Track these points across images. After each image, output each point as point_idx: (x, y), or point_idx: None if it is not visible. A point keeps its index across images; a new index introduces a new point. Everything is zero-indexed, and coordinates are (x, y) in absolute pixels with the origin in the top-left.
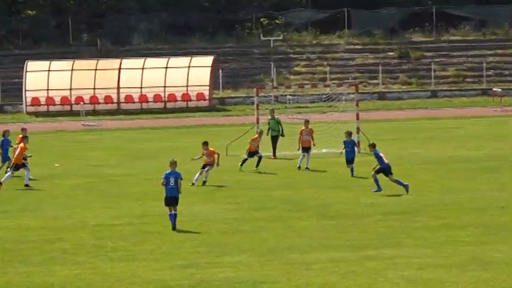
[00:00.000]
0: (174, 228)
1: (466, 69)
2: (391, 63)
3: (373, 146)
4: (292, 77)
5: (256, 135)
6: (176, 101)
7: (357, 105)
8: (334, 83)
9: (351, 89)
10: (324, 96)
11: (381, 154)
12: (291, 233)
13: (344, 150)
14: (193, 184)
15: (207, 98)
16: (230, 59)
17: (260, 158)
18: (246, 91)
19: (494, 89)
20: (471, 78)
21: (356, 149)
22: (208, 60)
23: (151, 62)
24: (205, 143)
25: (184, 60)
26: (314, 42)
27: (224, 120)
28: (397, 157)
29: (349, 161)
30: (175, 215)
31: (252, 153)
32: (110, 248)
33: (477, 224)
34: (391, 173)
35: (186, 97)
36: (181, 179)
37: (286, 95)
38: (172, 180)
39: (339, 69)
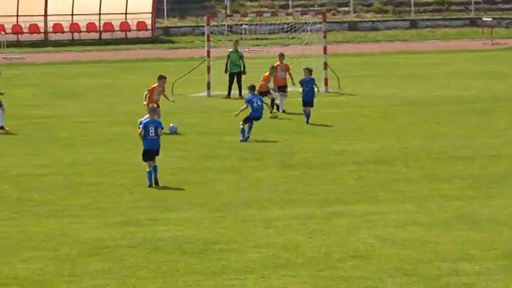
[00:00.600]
0: (155, 183)
1: None
2: None
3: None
4: (248, 3)
5: (266, 73)
6: (113, 31)
7: (325, 36)
8: (297, 11)
9: (317, 18)
10: (286, 26)
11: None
12: (248, 186)
13: (301, 90)
14: None
15: (149, 27)
16: None
17: (273, 100)
18: (194, 20)
19: (483, 19)
20: (457, 6)
21: (316, 89)
22: None
23: None
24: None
25: None
26: None
27: (169, 54)
28: (371, 97)
29: (307, 103)
30: (155, 167)
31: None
32: (36, 202)
33: (464, 175)
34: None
35: (124, 26)
36: (162, 128)
37: (241, 25)
38: (152, 130)
39: None
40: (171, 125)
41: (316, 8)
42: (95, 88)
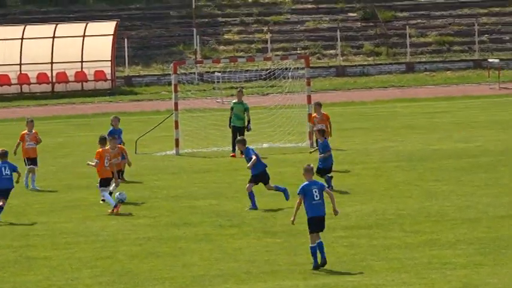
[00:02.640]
0: None
1: (452, 33)
2: (352, 27)
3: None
4: (221, 47)
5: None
6: (67, 82)
7: (308, 84)
8: (277, 55)
9: (300, 63)
10: (265, 72)
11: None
12: (223, 256)
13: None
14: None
15: (108, 77)
16: (138, 25)
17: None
18: (160, 67)
19: (489, 60)
20: (459, 46)
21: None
22: (109, 26)
23: (32, 30)
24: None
25: (77, 27)
26: (250, 0)
27: (132, 107)
28: (363, 153)
29: (321, 171)
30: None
31: None
32: None
33: (469, 240)
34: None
35: (80, 76)
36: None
37: (214, 72)
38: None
39: (284, 36)
40: (119, 193)
41: (298, 52)
42: (47, 148)
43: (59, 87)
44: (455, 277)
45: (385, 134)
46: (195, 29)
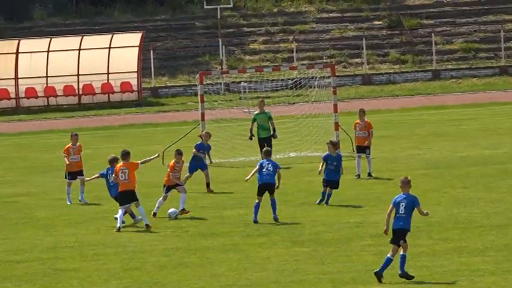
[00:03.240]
0: None
1: (478, 40)
2: (378, 35)
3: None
4: (247, 57)
5: None
6: (94, 94)
7: (335, 93)
8: (303, 64)
9: (326, 72)
10: (291, 82)
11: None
12: (252, 266)
13: (323, 168)
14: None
15: (134, 88)
16: (164, 36)
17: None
18: (186, 78)
19: None
20: (485, 53)
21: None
22: (135, 38)
23: (58, 42)
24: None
25: (102, 39)
26: (275, 10)
27: (158, 118)
28: (391, 160)
29: (329, 183)
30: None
31: None
32: None
33: (498, 246)
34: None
35: (106, 88)
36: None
37: (239, 82)
38: None
39: (309, 45)
40: (171, 210)
41: (324, 61)
42: None
43: (85, 99)
44: (484, 284)
45: (412, 141)
46: (220, 39)
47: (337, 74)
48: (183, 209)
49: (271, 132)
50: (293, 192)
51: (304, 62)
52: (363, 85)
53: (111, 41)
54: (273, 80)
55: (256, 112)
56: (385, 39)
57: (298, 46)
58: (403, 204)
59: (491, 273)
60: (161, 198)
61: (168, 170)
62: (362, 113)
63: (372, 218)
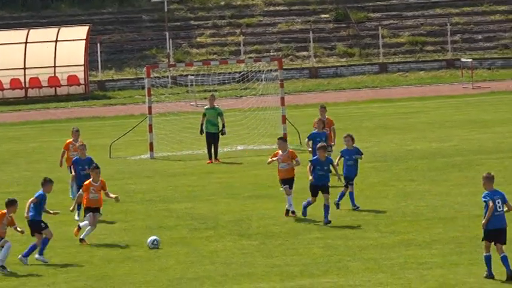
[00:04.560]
0: None
1: (424, 34)
2: (325, 28)
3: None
4: (194, 50)
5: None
6: (41, 87)
7: (282, 85)
8: (250, 58)
9: (273, 65)
10: (238, 75)
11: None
12: (200, 259)
13: (342, 163)
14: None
15: (81, 82)
16: (111, 29)
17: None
18: (133, 71)
19: (462, 60)
20: (432, 46)
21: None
22: (82, 31)
23: (4, 35)
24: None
25: (49, 32)
26: (222, 3)
27: (105, 111)
28: (338, 154)
29: (349, 179)
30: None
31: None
32: None
33: (445, 239)
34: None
35: (53, 81)
36: None
37: (187, 75)
38: None
39: (257, 38)
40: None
41: (271, 54)
42: (21, 153)
43: (32, 93)
44: (431, 277)
45: (359, 134)
46: (167, 33)
47: (284, 67)
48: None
49: (222, 128)
50: (240, 186)
51: (251, 55)
52: (310, 78)
53: (57, 34)
54: (220, 73)
55: (206, 107)
56: (332, 32)
57: (245, 39)
58: (499, 200)
59: (439, 266)
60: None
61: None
62: (323, 109)
63: (319, 211)
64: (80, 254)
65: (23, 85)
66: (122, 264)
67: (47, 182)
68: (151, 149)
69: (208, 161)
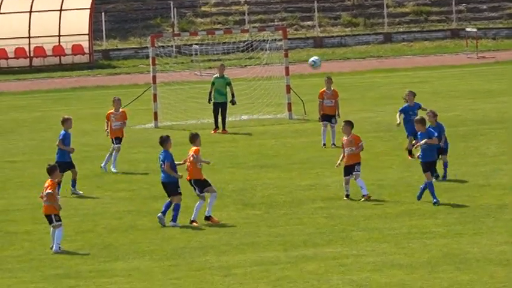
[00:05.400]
0: None
1: (429, 3)
2: None
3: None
4: (199, 20)
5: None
6: (45, 56)
7: (286, 55)
8: (254, 27)
9: (278, 35)
10: (242, 44)
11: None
12: (203, 228)
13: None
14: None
15: (86, 51)
16: None
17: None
18: (138, 41)
19: (467, 29)
20: (436, 16)
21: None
22: (86, 0)
23: (9, 4)
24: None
25: (54, 1)
26: None
27: (110, 80)
28: (341, 123)
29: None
30: None
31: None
32: None
33: (449, 209)
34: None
35: (58, 50)
36: None
37: (191, 45)
38: None
39: (261, 8)
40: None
41: (275, 23)
42: (25, 123)
43: (36, 62)
44: (434, 246)
45: (363, 104)
46: (172, 2)
47: (288, 37)
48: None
49: (231, 98)
50: (245, 155)
51: (255, 24)
52: (315, 48)
53: (62, 4)
54: (224, 42)
55: (215, 75)
56: (337, 2)
57: (249, 9)
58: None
59: (442, 236)
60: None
61: None
62: (329, 80)
63: (323, 180)
64: (84, 223)
65: (28, 54)
66: (125, 234)
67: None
68: (155, 118)
69: (213, 131)
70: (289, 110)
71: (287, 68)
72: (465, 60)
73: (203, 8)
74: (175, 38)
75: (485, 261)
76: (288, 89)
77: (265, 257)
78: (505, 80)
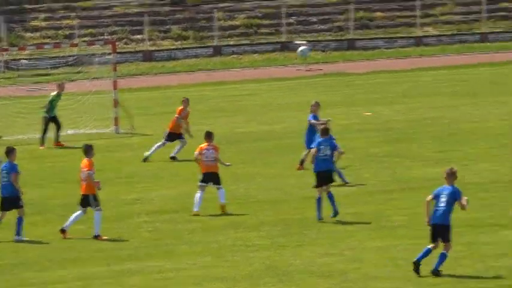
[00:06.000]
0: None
1: (259, 16)
2: (160, 12)
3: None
4: (28, 34)
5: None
6: None
7: (115, 69)
8: (84, 41)
9: (107, 48)
10: (71, 58)
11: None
12: (25, 245)
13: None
14: None
15: None
16: None
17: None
18: None
19: (296, 42)
20: (266, 29)
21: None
22: None
23: None
24: None
25: None
26: None
27: None
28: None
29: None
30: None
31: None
32: None
33: (273, 221)
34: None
35: None
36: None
37: (20, 60)
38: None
39: (91, 22)
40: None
41: (105, 37)
42: None
43: None
44: (258, 259)
45: (193, 117)
46: (1, 17)
47: (118, 51)
48: None
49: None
50: (71, 170)
51: (85, 38)
52: (144, 61)
53: None
54: (53, 57)
55: (53, 93)
56: (168, 15)
57: (80, 23)
58: (444, 196)
59: (266, 248)
60: None
61: None
62: (186, 101)
63: (149, 194)
64: None
65: None
66: None
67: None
68: None
69: (41, 146)
70: (116, 124)
71: (115, 82)
72: (294, 72)
73: (32, 23)
74: (3, 53)
75: (307, 273)
76: (116, 103)
77: (87, 272)
78: (333, 92)
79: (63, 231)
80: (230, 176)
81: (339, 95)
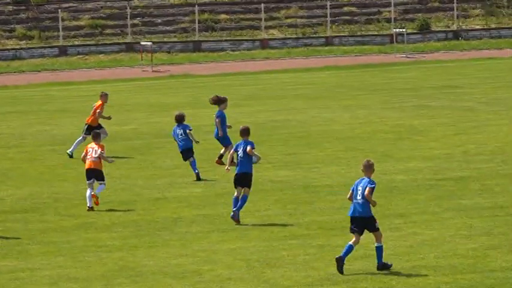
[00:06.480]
0: None
1: (104, 16)
2: (4, 11)
3: None
4: None
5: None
6: None
7: None
8: None
9: None
10: None
11: None
12: None
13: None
14: None
15: None
16: None
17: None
18: None
19: (142, 43)
20: (112, 29)
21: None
22: None
23: None
24: None
25: None
26: None
27: None
28: (18, 137)
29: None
30: None
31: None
32: None
33: (124, 222)
34: None
35: None
36: None
37: None
38: None
39: None
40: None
41: None
42: None
43: None
44: (111, 259)
45: (40, 117)
46: None
47: None
48: None
49: None
50: None
51: None
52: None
53: None
54: None
55: None
56: (12, 14)
57: None
58: (360, 189)
59: (118, 249)
60: None
61: None
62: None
63: (3, 191)
64: None
65: None
66: None
67: None
68: None
69: None
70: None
71: None
72: (140, 73)
73: None
74: None
75: (161, 274)
76: None
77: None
78: (179, 93)
79: None
80: (79, 176)
81: (185, 96)
